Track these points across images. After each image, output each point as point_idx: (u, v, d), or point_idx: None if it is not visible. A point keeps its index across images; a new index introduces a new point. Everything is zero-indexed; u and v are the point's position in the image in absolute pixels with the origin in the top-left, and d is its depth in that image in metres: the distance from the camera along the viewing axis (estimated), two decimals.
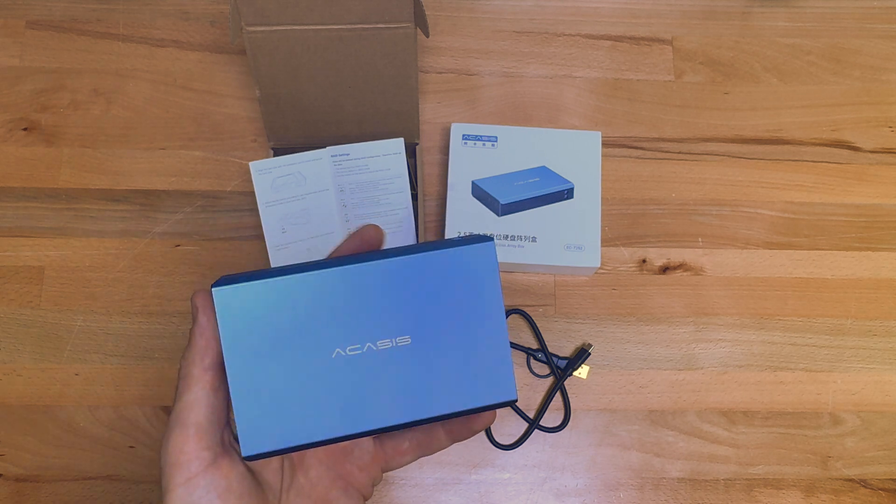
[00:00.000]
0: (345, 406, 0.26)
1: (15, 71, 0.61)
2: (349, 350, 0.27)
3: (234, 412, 0.26)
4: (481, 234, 0.27)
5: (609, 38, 0.64)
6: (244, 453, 0.26)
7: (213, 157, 0.60)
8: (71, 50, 0.62)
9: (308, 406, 0.26)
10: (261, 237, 0.56)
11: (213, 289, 0.26)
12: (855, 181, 0.61)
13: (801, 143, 0.62)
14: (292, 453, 0.31)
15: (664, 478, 0.54)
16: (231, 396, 0.26)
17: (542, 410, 0.54)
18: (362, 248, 0.30)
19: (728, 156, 0.61)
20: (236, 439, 0.28)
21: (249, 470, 0.28)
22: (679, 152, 0.61)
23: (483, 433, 0.54)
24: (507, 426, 0.55)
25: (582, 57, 0.63)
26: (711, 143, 0.61)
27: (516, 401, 0.27)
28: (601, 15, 0.65)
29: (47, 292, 0.56)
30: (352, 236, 0.31)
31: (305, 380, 0.26)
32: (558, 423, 0.55)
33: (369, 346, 0.27)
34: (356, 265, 0.27)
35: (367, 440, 0.33)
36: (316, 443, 0.26)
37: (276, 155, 0.57)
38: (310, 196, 0.55)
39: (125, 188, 0.59)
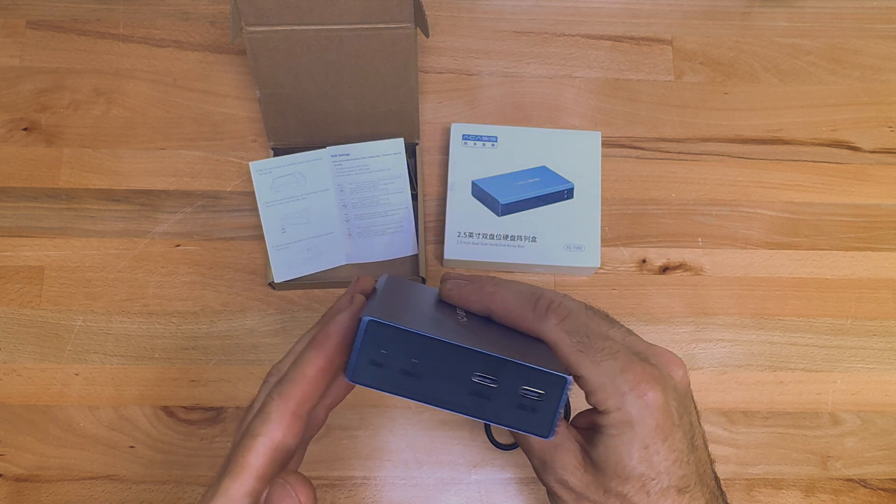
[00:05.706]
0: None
1: (15, 71, 0.61)
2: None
3: None
4: (563, 374, 0.28)
5: (609, 38, 0.64)
6: None
7: (213, 157, 0.60)
8: (71, 50, 0.62)
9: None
10: (261, 237, 0.56)
11: (366, 318, 0.26)
12: (855, 181, 0.61)
13: (801, 143, 0.62)
14: None
15: None
16: None
17: None
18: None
19: (728, 156, 0.61)
20: None
21: None
22: (679, 152, 0.61)
23: (483, 433, 0.54)
24: None
25: (582, 57, 0.63)
26: (711, 143, 0.61)
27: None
28: (601, 15, 0.65)
29: (47, 292, 0.56)
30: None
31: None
32: None
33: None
34: (468, 348, 0.27)
35: None
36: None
37: (276, 155, 0.57)
38: (310, 196, 0.55)
39: (125, 188, 0.59)
